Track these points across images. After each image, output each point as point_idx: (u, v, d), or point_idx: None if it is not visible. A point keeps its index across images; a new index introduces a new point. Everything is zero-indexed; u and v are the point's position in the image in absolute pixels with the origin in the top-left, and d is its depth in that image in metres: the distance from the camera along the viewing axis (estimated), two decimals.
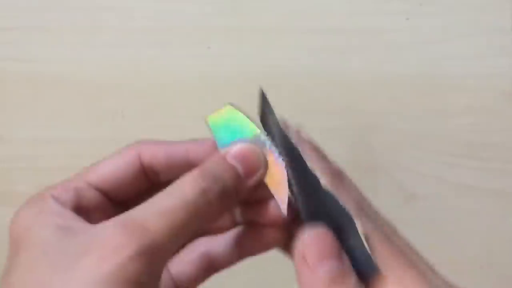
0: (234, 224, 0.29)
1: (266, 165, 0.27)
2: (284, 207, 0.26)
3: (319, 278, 0.24)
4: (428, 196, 0.51)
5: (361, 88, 0.50)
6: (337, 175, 0.28)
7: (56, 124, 0.50)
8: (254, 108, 0.51)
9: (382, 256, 0.24)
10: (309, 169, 0.26)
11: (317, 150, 0.29)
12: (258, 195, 0.27)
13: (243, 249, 0.29)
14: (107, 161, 0.27)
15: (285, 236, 0.27)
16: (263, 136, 0.27)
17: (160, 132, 0.50)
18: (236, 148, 0.26)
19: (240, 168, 0.26)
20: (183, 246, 0.29)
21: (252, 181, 0.26)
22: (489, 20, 0.51)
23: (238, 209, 0.29)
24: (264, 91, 0.28)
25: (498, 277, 0.52)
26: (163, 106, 0.50)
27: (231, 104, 0.28)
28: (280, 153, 0.27)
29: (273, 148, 0.27)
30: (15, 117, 0.50)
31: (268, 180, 0.27)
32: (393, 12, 0.50)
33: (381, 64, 0.50)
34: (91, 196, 0.26)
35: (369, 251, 0.24)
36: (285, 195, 0.26)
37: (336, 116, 0.50)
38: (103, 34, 0.50)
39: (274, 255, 0.29)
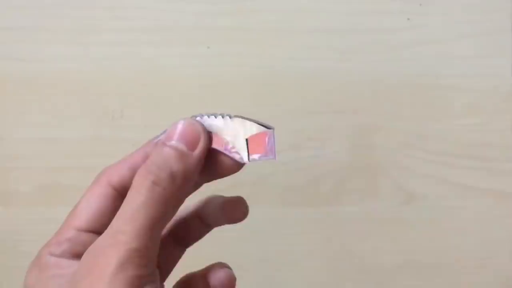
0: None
1: (205, 131, 0.27)
2: (245, 154, 0.28)
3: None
4: (428, 196, 0.51)
5: (361, 88, 0.50)
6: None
7: (56, 124, 0.50)
8: (253, 108, 0.51)
9: None
10: None
11: None
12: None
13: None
14: (84, 200, 0.28)
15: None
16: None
17: (160, 132, 0.50)
18: (171, 128, 0.27)
19: (181, 145, 0.27)
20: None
21: (199, 151, 0.27)
22: (489, 20, 0.51)
23: None
24: None
25: (498, 277, 0.52)
26: (163, 106, 0.50)
27: None
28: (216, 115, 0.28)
29: (209, 115, 0.29)
30: (15, 117, 0.50)
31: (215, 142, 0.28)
32: (394, 12, 0.50)
33: (381, 64, 0.50)
34: (84, 239, 0.27)
35: None
36: (243, 144, 0.28)
37: (336, 116, 0.50)
38: (102, 34, 0.50)
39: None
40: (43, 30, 0.50)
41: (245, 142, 0.28)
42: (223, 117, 0.28)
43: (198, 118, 0.28)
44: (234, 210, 0.31)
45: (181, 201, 0.27)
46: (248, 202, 0.31)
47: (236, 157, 0.28)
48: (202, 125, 0.28)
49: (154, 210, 0.25)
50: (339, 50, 0.50)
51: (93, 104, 0.50)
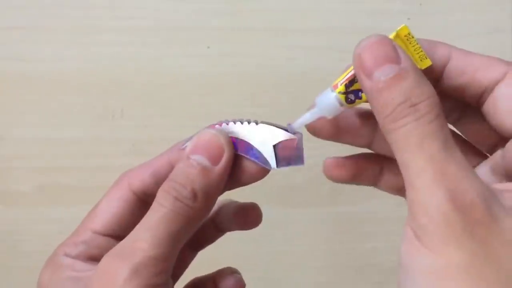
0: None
1: (230, 144, 0.27)
2: (273, 161, 0.28)
3: (376, 84, 0.24)
4: None
5: None
6: None
7: (56, 124, 0.50)
8: (253, 108, 0.51)
9: None
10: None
11: None
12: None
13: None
14: (104, 202, 0.28)
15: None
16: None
17: (160, 132, 0.50)
18: (193, 142, 0.27)
19: (204, 160, 0.26)
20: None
21: (222, 165, 0.26)
22: (489, 20, 0.51)
23: None
24: None
25: None
26: (163, 105, 0.50)
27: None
28: (242, 121, 0.28)
29: (235, 121, 0.28)
30: (15, 117, 0.50)
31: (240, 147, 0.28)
32: (393, 12, 0.50)
33: None
34: (100, 243, 0.27)
35: None
36: (271, 150, 0.28)
37: None
38: (103, 34, 0.50)
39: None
40: (43, 30, 0.50)
41: (273, 149, 0.28)
42: (249, 123, 0.28)
43: (223, 125, 0.28)
44: (247, 217, 0.31)
45: (204, 216, 0.27)
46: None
47: (263, 163, 0.28)
48: (227, 136, 0.27)
49: (176, 223, 0.25)
50: (339, 50, 0.50)
51: (93, 104, 0.50)
